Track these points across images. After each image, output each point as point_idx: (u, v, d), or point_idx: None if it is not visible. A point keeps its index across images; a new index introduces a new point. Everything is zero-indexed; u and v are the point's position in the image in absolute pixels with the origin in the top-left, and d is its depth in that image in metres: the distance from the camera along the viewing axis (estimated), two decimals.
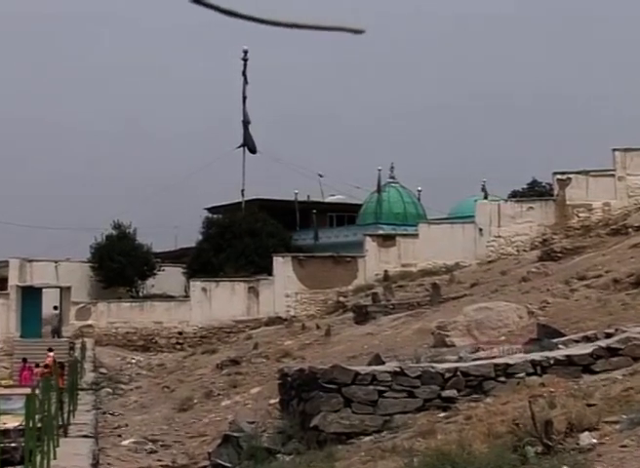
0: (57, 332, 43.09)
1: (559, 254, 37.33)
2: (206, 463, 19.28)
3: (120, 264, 47.32)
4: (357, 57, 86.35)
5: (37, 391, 16.06)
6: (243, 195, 53.81)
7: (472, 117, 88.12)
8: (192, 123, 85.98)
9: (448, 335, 24.01)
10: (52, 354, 36.87)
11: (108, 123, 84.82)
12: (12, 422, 17.68)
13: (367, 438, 14.24)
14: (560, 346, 16.77)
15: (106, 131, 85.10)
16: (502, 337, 22.58)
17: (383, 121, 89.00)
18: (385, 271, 42.97)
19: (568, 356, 15.12)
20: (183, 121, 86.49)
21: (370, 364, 17.85)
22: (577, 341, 17.52)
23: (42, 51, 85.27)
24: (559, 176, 44.06)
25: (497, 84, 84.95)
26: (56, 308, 44.00)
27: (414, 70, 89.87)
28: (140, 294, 48.47)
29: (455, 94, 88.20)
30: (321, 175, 58.36)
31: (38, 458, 14.62)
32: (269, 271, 44.49)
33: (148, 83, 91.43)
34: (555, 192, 44.31)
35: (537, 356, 15.32)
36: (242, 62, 54.24)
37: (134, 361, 39.41)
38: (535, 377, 14.65)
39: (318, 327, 35.67)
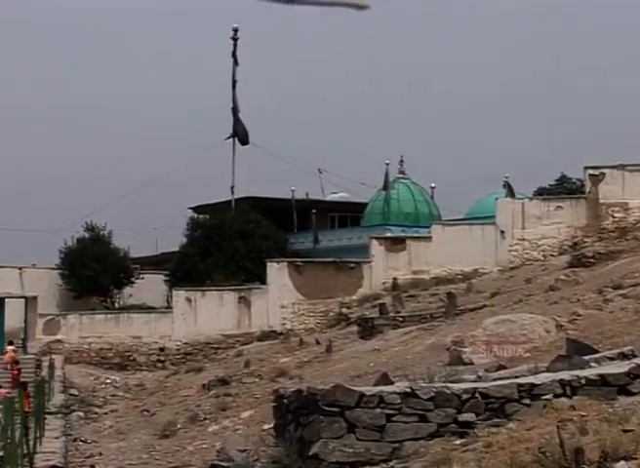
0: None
1: (591, 260, 37.33)
2: None
3: (93, 271, 47.32)
4: (362, 36, 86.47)
5: None
6: (233, 193, 53.86)
7: (491, 105, 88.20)
8: (175, 111, 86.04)
9: (465, 352, 24.02)
10: (12, 348, 36.98)
11: (77, 109, 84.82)
12: None
13: None
14: (592, 364, 16.77)
15: (74, 117, 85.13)
16: (527, 354, 22.58)
17: (392, 109, 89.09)
18: (394, 279, 42.98)
19: (601, 375, 15.12)
20: (164, 108, 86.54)
21: (376, 384, 17.84)
22: (611, 358, 17.52)
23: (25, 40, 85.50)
24: (591, 171, 44.06)
25: (518, 68, 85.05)
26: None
27: (426, 52, 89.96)
28: (117, 305, 48.50)
29: (471, 79, 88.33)
30: (321, 171, 58.54)
31: None
32: (263, 279, 44.51)
33: (127, 65, 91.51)
34: (587, 189, 44.32)
35: (566, 375, 15.32)
36: (232, 42, 54.40)
37: (109, 381, 39.40)
38: (564, 399, 14.65)
39: (318, 342, 35.68)
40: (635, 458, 10.90)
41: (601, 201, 43.42)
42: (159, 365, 42.90)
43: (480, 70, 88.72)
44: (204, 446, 24.70)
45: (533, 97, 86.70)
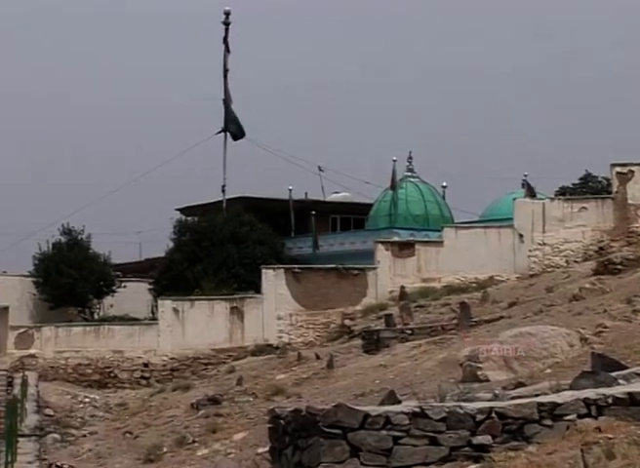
0: None
1: (619, 267, 37.31)
2: None
3: (70, 279, 47.29)
4: (368, 15, 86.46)
5: None
6: (224, 192, 53.87)
7: (509, 94, 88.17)
8: (161, 102, 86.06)
9: (480, 368, 24.02)
10: None
11: (48, 97, 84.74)
12: None
13: None
14: (620, 381, 16.76)
15: (46, 106, 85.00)
16: (548, 370, 22.59)
17: (399, 99, 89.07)
18: (402, 287, 42.96)
19: (630, 393, 15.11)
20: (150, 100, 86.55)
21: (382, 403, 17.84)
22: None
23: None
24: (619, 169, 44.06)
25: (540, 52, 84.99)
26: None
27: (438, 31, 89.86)
28: (96, 317, 48.46)
29: (486, 63, 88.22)
30: (321, 169, 58.48)
31: None
32: (257, 287, 44.49)
33: (112, 55, 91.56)
34: (614, 189, 44.33)
35: (591, 393, 15.31)
36: (223, 27, 54.46)
37: (87, 400, 39.37)
38: (589, 420, 14.63)
39: (318, 357, 35.69)
40: None
41: (630, 201, 43.42)
42: (143, 382, 42.85)
43: (495, 57, 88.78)
44: None
45: (552, 87, 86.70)
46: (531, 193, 47.34)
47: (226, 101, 54.33)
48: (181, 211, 56.75)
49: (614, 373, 17.57)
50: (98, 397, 39.91)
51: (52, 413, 36.65)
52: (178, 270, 47.78)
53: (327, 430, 14.67)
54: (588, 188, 57.00)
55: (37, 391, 38.89)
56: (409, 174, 55.53)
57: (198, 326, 43.48)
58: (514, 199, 46.01)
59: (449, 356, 27.85)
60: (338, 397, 24.65)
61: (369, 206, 56.10)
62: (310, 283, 44.00)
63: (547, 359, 23.73)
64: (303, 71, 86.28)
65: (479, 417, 14.76)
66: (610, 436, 13.43)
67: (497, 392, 18.19)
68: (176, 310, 43.94)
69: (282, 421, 16.62)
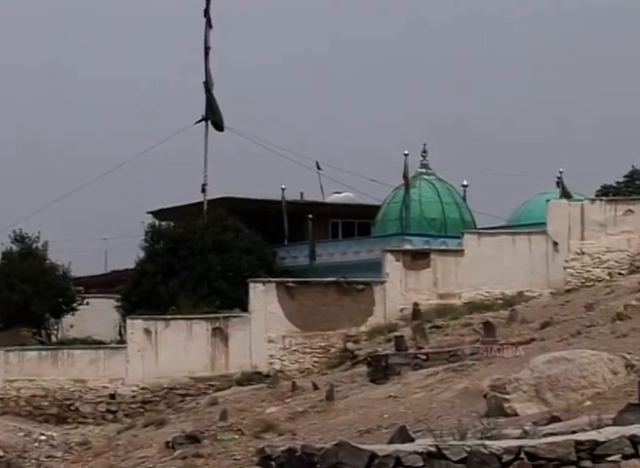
0: None
1: None
2: None
3: (24, 295, 47.29)
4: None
5: None
6: (205, 192, 53.91)
7: (542, 76, 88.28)
8: (130, 86, 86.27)
9: (507, 399, 24.05)
10: None
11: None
12: None
13: None
14: None
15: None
16: (588, 402, 22.60)
17: (411, 81, 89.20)
18: (415, 304, 43.00)
19: None
20: (117, 83, 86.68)
21: (392, 441, 17.84)
22: None
23: None
24: None
25: (575, 28, 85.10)
26: None
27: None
28: (54, 339, 48.46)
29: (513, 42, 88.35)
30: (320, 168, 58.50)
31: None
32: (244, 304, 44.51)
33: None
34: None
35: (638, 430, 15.33)
36: None
37: (43, 437, 39.40)
38: (636, 461, 14.64)
39: (316, 387, 35.73)
40: None
41: None
42: (109, 416, 42.87)
43: (525, 36, 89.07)
44: None
45: (591, 72, 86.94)
46: (567, 193, 47.39)
47: (207, 84, 54.36)
48: (154, 214, 56.77)
49: None
50: (55, 434, 39.92)
51: (1, 454, 36.66)
52: (150, 284, 47.78)
53: None
54: (635, 187, 57.10)
55: None
56: (423, 170, 55.53)
57: (174, 350, 43.47)
58: (547, 200, 46.08)
59: (470, 385, 27.89)
60: (339, 434, 24.64)
61: (376, 208, 56.13)
62: (307, 299, 44.01)
63: (587, 389, 23.74)
64: (299, 55, 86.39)
65: (506, 458, 14.78)
66: None
67: (527, 428, 18.21)
68: (148, 331, 43.94)
69: (273, 463, 16.63)
